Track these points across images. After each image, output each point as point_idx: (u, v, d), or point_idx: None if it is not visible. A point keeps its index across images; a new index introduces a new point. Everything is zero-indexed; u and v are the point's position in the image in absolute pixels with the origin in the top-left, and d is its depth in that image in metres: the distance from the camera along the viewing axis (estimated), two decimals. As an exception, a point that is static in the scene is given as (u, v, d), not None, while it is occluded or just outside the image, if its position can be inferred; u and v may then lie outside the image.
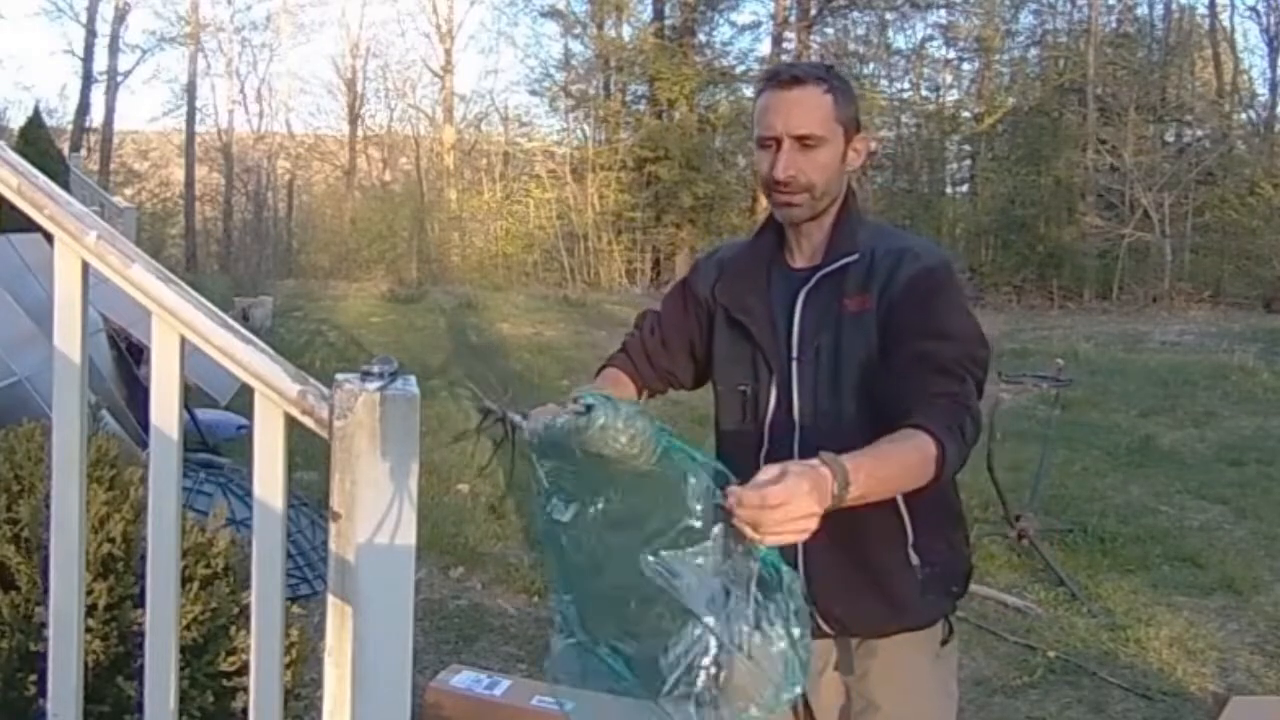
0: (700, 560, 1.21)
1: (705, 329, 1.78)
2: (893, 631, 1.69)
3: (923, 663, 1.72)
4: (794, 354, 1.65)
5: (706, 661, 1.21)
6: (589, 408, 1.20)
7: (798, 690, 1.24)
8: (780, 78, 1.66)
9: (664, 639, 1.22)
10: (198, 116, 24.77)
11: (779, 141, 1.63)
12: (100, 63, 23.97)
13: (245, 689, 1.78)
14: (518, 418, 1.33)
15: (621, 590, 1.26)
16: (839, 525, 1.65)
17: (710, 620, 1.20)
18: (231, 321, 1.21)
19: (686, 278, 1.86)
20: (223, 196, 25.17)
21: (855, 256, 1.64)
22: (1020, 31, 22.04)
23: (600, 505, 1.28)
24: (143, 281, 1.21)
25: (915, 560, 1.65)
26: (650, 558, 1.20)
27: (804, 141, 1.62)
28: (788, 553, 1.69)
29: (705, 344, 1.79)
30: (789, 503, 1.20)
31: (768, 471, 1.23)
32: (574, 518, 1.29)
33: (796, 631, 1.21)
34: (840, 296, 1.63)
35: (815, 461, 1.29)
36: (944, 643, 1.74)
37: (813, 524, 1.23)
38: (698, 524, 1.21)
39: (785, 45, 22.36)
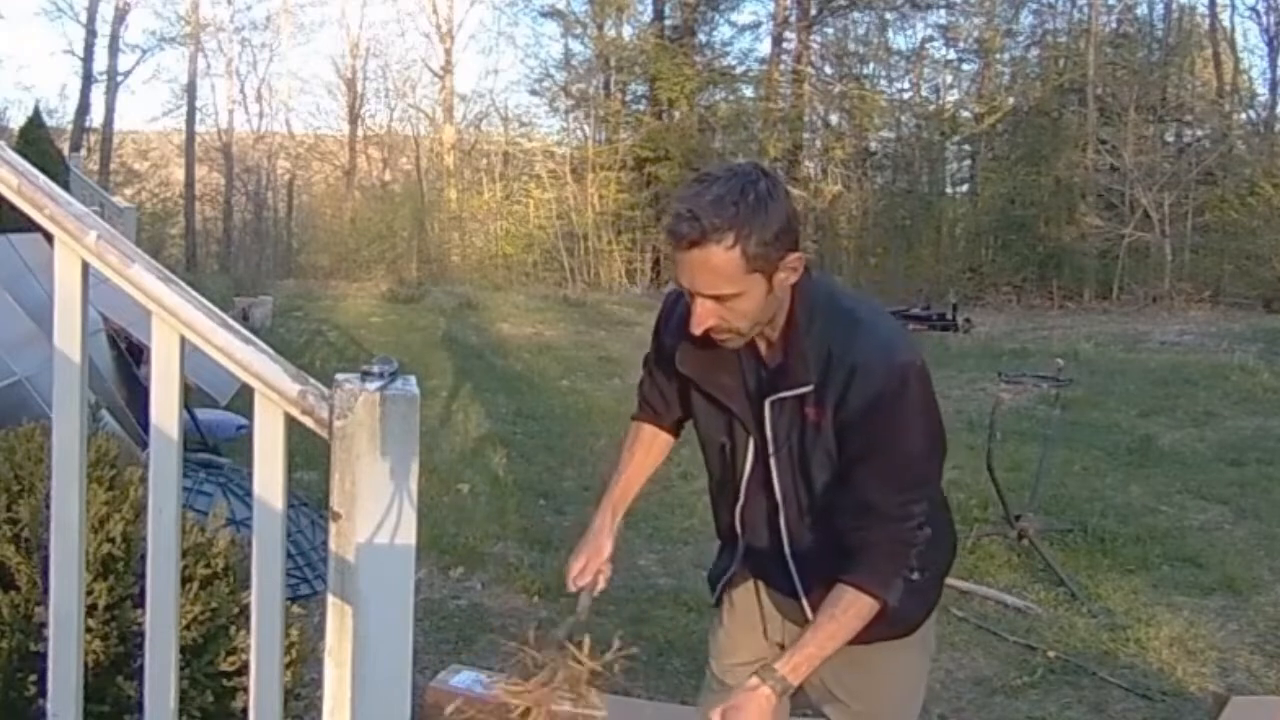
0: None
1: (682, 379, 1.84)
2: (883, 639, 1.75)
3: (903, 658, 1.87)
4: (771, 450, 1.73)
5: None
6: None
7: None
8: (679, 238, 1.54)
9: None
10: (198, 116, 24.84)
11: (695, 295, 1.59)
12: (100, 63, 24.01)
13: (245, 689, 1.78)
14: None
15: None
16: (831, 542, 1.71)
17: None
18: (231, 321, 1.21)
19: (657, 327, 1.88)
20: (223, 196, 25.16)
21: (810, 387, 1.65)
22: (1020, 32, 22.04)
23: None
24: (143, 281, 1.21)
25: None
26: None
27: (717, 299, 1.57)
28: (780, 566, 1.79)
29: (685, 389, 1.86)
30: None
31: None
32: None
33: None
34: (801, 408, 1.68)
35: (754, 682, 1.62)
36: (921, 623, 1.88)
37: None
38: None
39: (785, 45, 22.38)
